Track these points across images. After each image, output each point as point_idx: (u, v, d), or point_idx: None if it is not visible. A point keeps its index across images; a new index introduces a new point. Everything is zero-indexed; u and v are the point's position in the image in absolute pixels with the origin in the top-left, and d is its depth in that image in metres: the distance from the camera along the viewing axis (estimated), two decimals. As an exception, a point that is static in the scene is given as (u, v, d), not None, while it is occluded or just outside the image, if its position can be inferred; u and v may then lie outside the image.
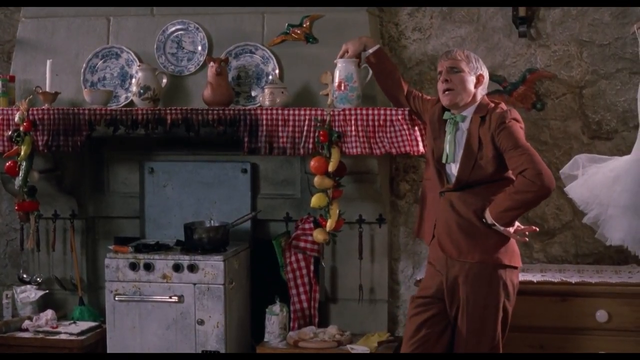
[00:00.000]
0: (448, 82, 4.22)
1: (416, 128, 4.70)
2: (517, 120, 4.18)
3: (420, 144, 4.68)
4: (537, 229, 4.27)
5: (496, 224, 4.09)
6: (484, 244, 4.14)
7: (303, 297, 5.19)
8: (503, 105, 4.26)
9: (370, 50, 4.71)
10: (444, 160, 4.25)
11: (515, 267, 4.22)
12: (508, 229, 4.12)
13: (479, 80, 4.26)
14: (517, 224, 4.16)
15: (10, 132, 5.02)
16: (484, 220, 4.13)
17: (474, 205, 4.15)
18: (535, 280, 4.69)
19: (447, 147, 4.24)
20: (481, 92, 4.29)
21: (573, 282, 4.65)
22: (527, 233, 4.21)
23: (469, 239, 4.15)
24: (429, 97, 4.63)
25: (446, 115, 4.29)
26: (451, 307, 4.20)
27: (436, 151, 4.30)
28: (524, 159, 4.03)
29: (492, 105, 4.25)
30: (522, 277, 4.71)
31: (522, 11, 5.09)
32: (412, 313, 4.30)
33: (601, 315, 4.56)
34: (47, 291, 5.53)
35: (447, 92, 4.23)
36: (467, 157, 4.18)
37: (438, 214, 4.26)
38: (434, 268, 4.28)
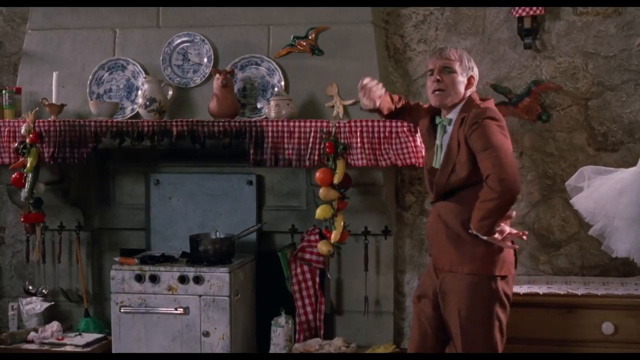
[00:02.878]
0: (440, 82, 4.15)
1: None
2: (493, 119, 4.03)
3: (426, 155, 4.69)
4: (525, 237, 4.11)
5: (478, 234, 4.01)
6: (472, 254, 4.05)
7: (308, 309, 5.18)
8: (486, 104, 4.15)
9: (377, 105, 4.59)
10: (434, 165, 4.19)
11: (506, 276, 4.10)
12: (495, 236, 4.00)
13: (469, 81, 4.20)
14: (508, 229, 4.04)
15: (16, 144, 5.04)
16: (470, 230, 4.05)
17: (461, 216, 4.07)
18: (541, 292, 4.67)
19: (436, 153, 4.20)
20: (470, 92, 4.21)
21: (579, 294, 4.64)
22: (512, 241, 4.07)
23: (458, 249, 4.08)
24: (425, 106, 4.53)
25: (437, 119, 4.23)
26: (444, 312, 4.15)
27: (427, 161, 4.27)
28: (489, 162, 3.92)
29: (479, 104, 4.13)
30: (528, 289, 4.71)
31: (527, 23, 5.09)
32: (416, 311, 4.29)
33: (607, 328, 4.55)
34: (52, 303, 5.54)
35: (437, 92, 4.16)
36: (445, 162, 4.12)
37: (429, 224, 4.25)
38: (433, 267, 4.25)
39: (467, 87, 4.19)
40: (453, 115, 4.17)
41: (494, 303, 4.06)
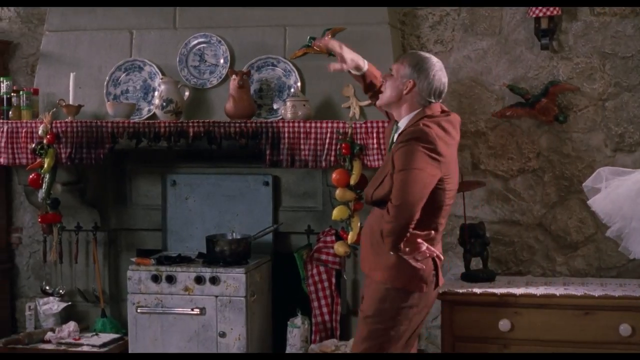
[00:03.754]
0: (383, 84, 4.11)
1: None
2: (422, 142, 3.83)
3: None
4: (441, 258, 4.01)
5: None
6: (385, 263, 3.97)
7: (325, 309, 5.18)
8: (428, 121, 3.91)
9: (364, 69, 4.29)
10: None
11: (413, 291, 3.98)
12: (406, 250, 3.86)
13: (407, 86, 3.97)
14: (424, 247, 3.87)
15: (33, 145, 5.07)
16: None
17: (381, 225, 3.96)
18: (558, 294, 4.65)
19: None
20: (420, 102, 3.98)
21: (596, 295, 4.62)
22: (418, 259, 3.90)
23: (375, 256, 4.03)
24: None
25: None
26: None
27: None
28: (396, 185, 3.82)
29: (422, 120, 3.91)
30: (545, 290, 4.70)
31: (544, 23, 5.08)
32: None
33: (625, 329, 4.53)
34: (69, 303, 5.55)
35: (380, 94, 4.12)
36: (379, 173, 4.07)
37: (363, 227, 4.22)
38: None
39: (403, 94, 3.99)
40: (402, 123, 4.04)
41: (394, 316, 3.98)
